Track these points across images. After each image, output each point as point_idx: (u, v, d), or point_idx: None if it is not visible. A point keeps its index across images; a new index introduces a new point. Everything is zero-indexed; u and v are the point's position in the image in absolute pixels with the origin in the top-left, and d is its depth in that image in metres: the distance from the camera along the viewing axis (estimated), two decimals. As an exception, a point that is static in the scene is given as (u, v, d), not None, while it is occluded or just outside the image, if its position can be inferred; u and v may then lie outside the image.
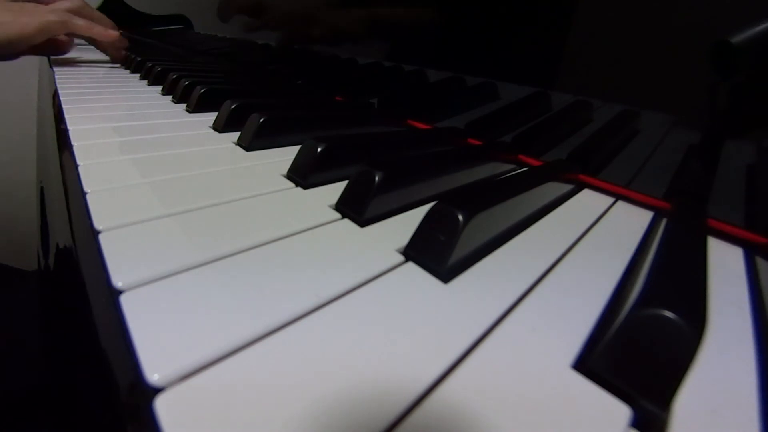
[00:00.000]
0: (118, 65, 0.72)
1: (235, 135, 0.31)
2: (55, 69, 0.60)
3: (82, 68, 0.63)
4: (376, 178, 0.20)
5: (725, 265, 0.20)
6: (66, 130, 0.29)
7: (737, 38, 0.21)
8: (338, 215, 0.20)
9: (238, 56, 0.74)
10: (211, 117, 0.36)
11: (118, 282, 0.13)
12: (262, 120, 0.29)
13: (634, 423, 0.10)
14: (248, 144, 0.29)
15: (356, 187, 0.20)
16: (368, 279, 0.15)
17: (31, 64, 0.61)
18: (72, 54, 0.72)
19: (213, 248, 0.16)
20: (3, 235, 1.15)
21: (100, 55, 0.83)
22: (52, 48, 0.65)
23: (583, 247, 0.20)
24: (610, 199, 0.27)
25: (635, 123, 0.26)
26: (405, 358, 0.11)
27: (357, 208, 0.20)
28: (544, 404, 0.11)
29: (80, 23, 0.61)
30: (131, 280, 0.13)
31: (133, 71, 0.63)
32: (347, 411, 0.10)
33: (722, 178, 0.23)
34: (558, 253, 0.19)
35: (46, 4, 0.62)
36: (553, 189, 0.24)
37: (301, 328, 0.12)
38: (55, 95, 0.42)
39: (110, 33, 0.66)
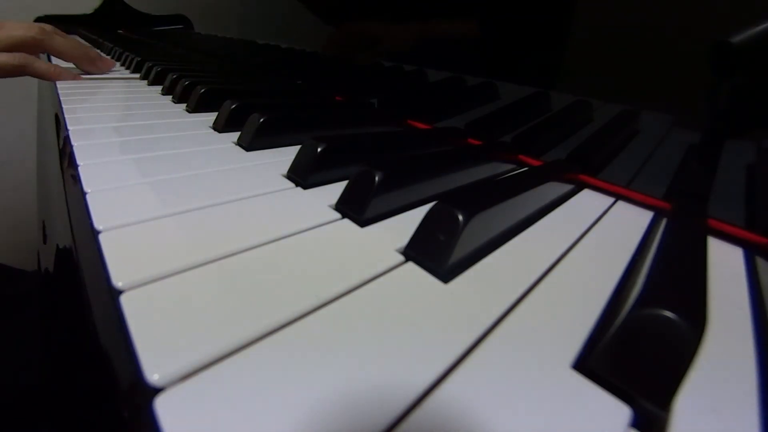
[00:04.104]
0: (117, 64, 0.72)
1: (235, 135, 0.31)
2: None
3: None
4: (376, 178, 0.20)
5: (725, 265, 0.20)
6: (66, 130, 0.29)
7: (737, 38, 0.21)
8: (338, 215, 0.20)
9: (239, 56, 0.74)
10: (211, 117, 0.36)
11: (118, 282, 0.13)
12: (262, 120, 0.29)
13: (634, 423, 0.10)
14: (248, 144, 0.29)
15: (356, 187, 0.20)
16: (368, 279, 0.15)
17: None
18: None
19: (213, 248, 0.16)
20: (3, 235, 1.15)
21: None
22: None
23: (583, 247, 0.20)
24: (610, 199, 0.27)
25: (635, 123, 0.26)
26: (404, 358, 0.11)
27: (357, 208, 0.20)
28: (544, 404, 0.11)
29: (42, 68, 0.50)
30: (131, 280, 0.13)
31: (133, 71, 0.63)
32: (346, 412, 0.10)
33: (722, 178, 0.23)
34: (558, 253, 0.19)
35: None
36: (553, 189, 0.24)
37: (301, 328, 0.12)
38: (55, 95, 0.42)
39: (75, 76, 0.54)
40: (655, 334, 0.11)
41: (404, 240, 0.17)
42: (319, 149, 0.24)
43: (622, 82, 0.27)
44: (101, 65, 0.61)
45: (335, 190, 0.22)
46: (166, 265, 0.14)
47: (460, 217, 0.16)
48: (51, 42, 0.54)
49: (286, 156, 0.28)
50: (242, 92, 0.45)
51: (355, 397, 0.10)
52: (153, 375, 0.10)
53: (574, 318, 0.14)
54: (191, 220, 0.18)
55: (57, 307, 0.18)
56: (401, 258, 0.17)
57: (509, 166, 0.31)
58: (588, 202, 0.26)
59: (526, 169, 0.31)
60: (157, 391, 0.10)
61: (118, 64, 0.72)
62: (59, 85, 0.47)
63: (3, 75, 0.48)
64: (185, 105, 0.41)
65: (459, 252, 0.16)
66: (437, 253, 0.16)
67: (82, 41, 0.62)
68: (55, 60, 0.65)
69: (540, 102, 0.31)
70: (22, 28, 0.52)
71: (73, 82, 0.51)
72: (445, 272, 0.16)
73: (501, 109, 0.34)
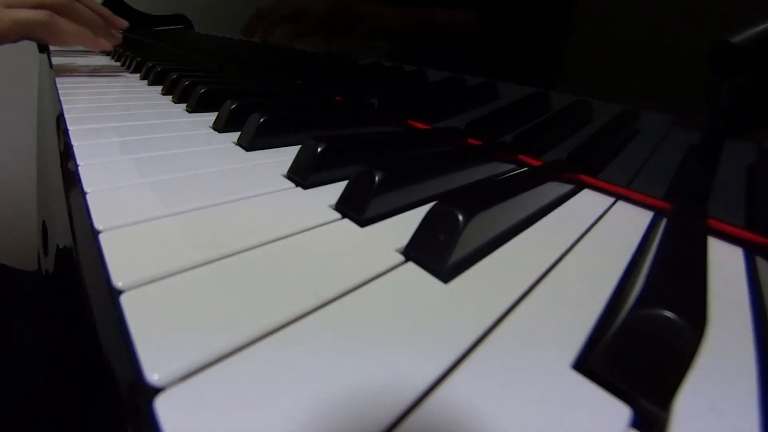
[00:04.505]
0: (118, 64, 0.72)
1: (235, 135, 0.31)
2: (55, 69, 0.60)
3: (83, 68, 0.63)
4: (376, 178, 0.20)
5: (725, 265, 0.20)
6: (66, 130, 0.29)
7: (737, 38, 0.21)
8: (338, 215, 0.20)
9: (239, 56, 0.74)
10: (211, 117, 0.36)
11: (118, 282, 0.13)
12: (262, 120, 0.29)
13: (634, 423, 0.10)
14: (248, 144, 0.29)
15: (356, 187, 0.20)
16: (368, 279, 0.15)
17: (31, 63, 0.60)
18: (72, 57, 0.72)
19: (213, 248, 0.16)
20: (3, 235, 1.15)
21: (100, 55, 0.83)
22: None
23: (583, 247, 0.20)
24: (610, 199, 0.27)
25: (635, 123, 0.26)
26: (404, 358, 0.11)
27: (357, 208, 0.20)
28: (544, 404, 0.11)
29: (65, 29, 0.51)
30: (131, 280, 0.13)
31: (133, 71, 0.63)
32: (347, 412, 0.10)
33: (722, 178, 0.23)
34: (558, 253, 0.19)
35: None
36: (553, 189, 0.24)
37: (301, 328, 0.12)
38: (55, 95, 0.42)
39: (100, 42, 0.57)
40: (655, 334, 0.11)
41: (404, 240, 0.17)
42: (319, 149, 0.24)
43: (622, 82, 0.27)
44: (117, 23, 0.65)
45: (335, 190, 0.23)
46: (166, 265, 0.14)
47: (460, 217, 0.16)
48: (73, 9, 0.56)
49: (286, 156, 0.28)
50: (242, 92, 0.45)
51: (356, 397, 0.10)
52: (153, 375, 0.10)
53: (574, 318, 0.14)
54: (191, 220, 0.18)
55: (57, 307, 0.18)
56: (401, 258, 0.17)
57: (509, 166, 0.31)
58: (588, 202, 0.26)
59: (526, 169, 0.31)
60: (157, 391, 0.09)
61: (118, 63, 0.72)
62: (59, 84, 0.47)
63: (25, 34, 0.48)
64: (185, 105, 0.41)
65: (459, 252, 0.16)
66: (437, 253, 0.16)
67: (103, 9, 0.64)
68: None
69: (540, 102, 0.31)
70: None
71: (73, 80, 0.51)
72: (445, 272, 0.16)
73: (501, 109, 0.34)
